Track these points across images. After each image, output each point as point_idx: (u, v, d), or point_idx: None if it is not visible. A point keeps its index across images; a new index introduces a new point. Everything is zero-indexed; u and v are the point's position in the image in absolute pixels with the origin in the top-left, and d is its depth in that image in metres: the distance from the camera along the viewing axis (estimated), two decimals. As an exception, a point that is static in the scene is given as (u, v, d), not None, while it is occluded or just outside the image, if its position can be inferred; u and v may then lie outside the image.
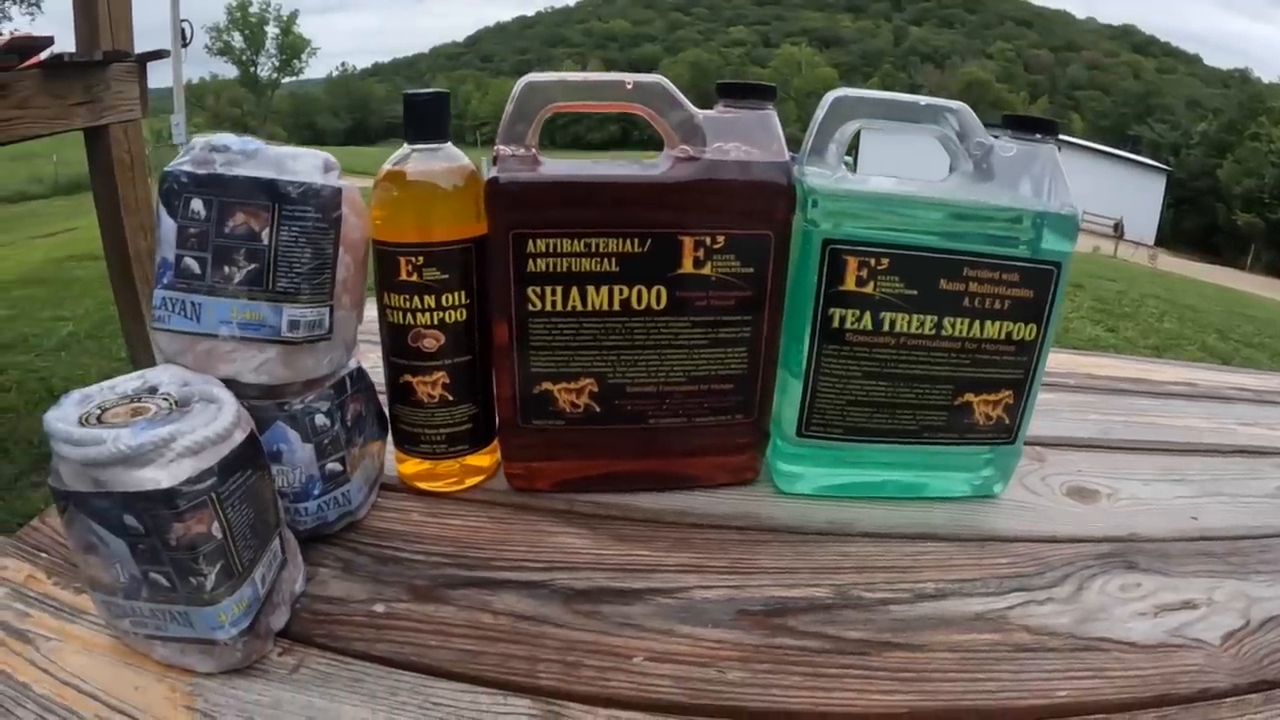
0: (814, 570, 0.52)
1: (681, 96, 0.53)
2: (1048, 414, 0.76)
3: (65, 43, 1.75)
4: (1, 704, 0.39)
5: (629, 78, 0.52)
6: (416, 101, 0.52)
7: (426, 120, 0.53)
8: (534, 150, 0.53)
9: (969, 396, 0.57)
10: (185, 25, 5.39)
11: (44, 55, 1.66)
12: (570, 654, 0.44)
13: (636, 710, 0.41)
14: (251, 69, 47.83)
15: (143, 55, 1.92)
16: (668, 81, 0.53)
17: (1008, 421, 0.59)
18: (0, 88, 1.54)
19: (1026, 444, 0.61)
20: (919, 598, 0.50)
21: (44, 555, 0.51)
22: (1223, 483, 0.67)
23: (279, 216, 0.45)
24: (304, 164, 0.47)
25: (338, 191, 0.47)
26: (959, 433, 0.59)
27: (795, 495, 0.61)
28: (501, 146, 0.52)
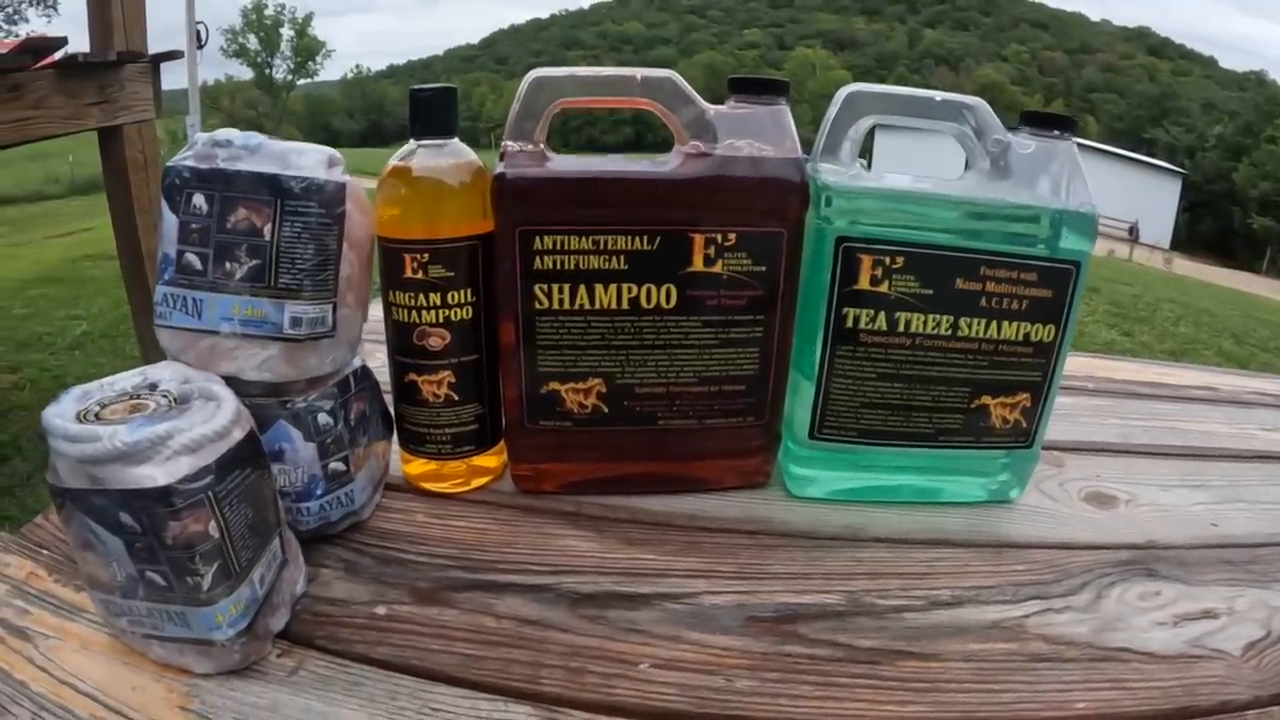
0: (826, 576, 0.51)
1: (692, 91, 0.52)
2: (1066, 418, 0.74)
3: (79, 43, 1.76)
4: (-2, 702, 0.39)
5: (638, 72, 0.51)
6: (422, 96, 0.52)
7: (433, 115, 0.52)
8: (542, 146, 0.52)
9: (986, 399, 0.56)
10: (200, 27, 5.43)
11: (58, 55, 1.66)
12: (574, 660, 0.43)
13: (640, 718, 0.40)
14: (267, 71, 48.19)
15: (156, 56, 1.93)
16: (678, 76, 0.52)
17: (1025, 425, 0.57)
18: (15, 88, 1.54)
19: (1044, 448, 0.60)
20: (933, 605, 0.49)
21: (45, 552, 0.50)
22: (1243, 489, 0.66)
23: (281, 212, 0.45)
24: (307, 159, 0.46)
25: (341, 187, 0.46)
26: (975, 436, 0.57)
27: (807, 499, 0.60)
28: (509, 143, 0.51)
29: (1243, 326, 6.34)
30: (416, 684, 0.41)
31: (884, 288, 0.53)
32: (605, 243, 0.51)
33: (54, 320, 3.26)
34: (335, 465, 0.50)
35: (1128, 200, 22.44)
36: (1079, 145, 0.54)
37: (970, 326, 0.54)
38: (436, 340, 0.53)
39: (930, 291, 0.53)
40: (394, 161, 0.52)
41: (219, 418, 0.39)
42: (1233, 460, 0.71)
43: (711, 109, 0.52)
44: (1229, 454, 0.72)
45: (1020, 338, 0.54)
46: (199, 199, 0.44)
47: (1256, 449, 0.73)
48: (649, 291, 0.53)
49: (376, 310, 0.55)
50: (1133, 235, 20.12)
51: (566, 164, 0.52)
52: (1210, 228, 31.64)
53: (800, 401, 0.57)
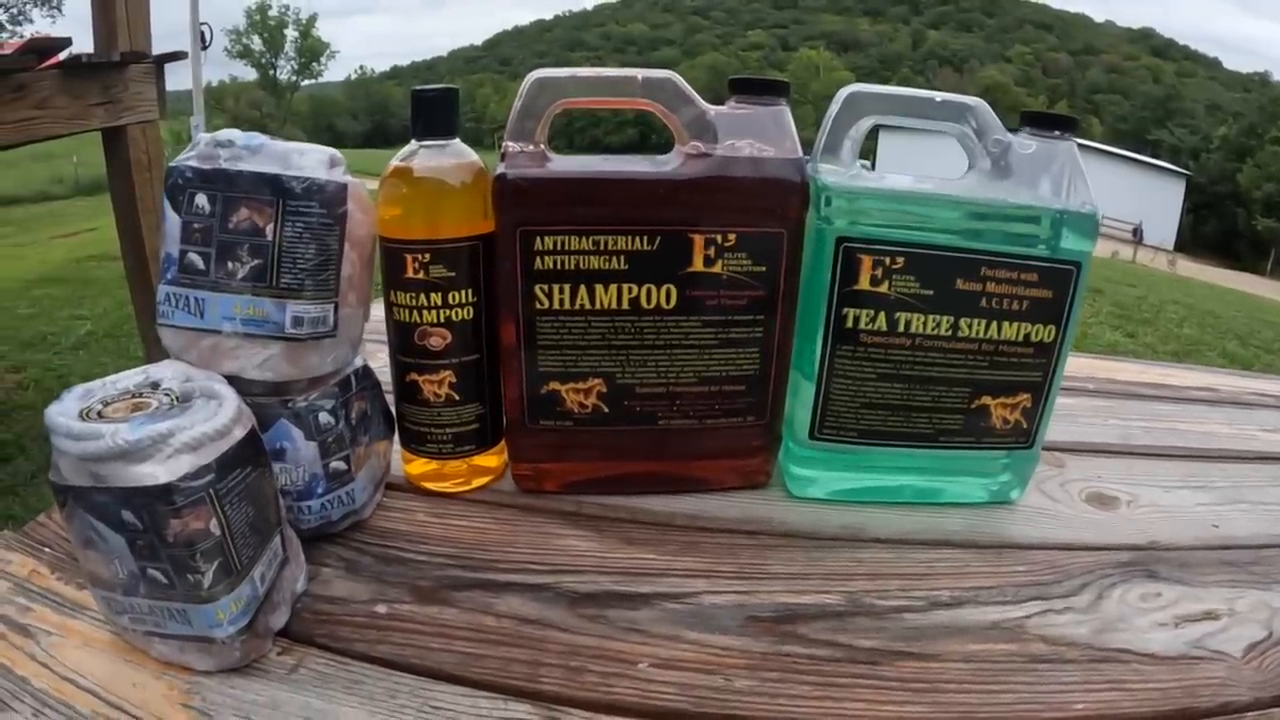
0: (825, 576, 0.51)
1: (692, 92, 0.52)
2: (1067, 418, 0.74)
3: (83, 44, 1.77)
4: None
5: (639, 73, 0.52)
6: (424, 97, 0.52)
7: (434, 116, 0.52)
8: (543, 147, 0.52)
9: (986, 399, 0.56)
10: (204, 28, 5.45)
11: (62, 56, 1.67)
12: (574, 659, 0.43)
13: (639, 718, 0.40)
14: (271, 72, 48.25)
15: (160, 56, 1.93)
16: (678, 77, 0.52)
17: (1025, 425, 0.57)
18: (19, 88, 1.55)
19: (1045, 449, 0.60)
20: (933, 606, 0.49)
21: (48, 550, 0.50)
22: (1245, 490, 0.65)
23: (283, 212, 0.45)
24: (309, 159, 0.46)
25: (343, 187, 0.47)
26: (976, 437, 0.57)
27: (808, 500, 0.60)
28: (510, 143, 0.52)
29: (1247, 328, 6.32)
30: (416, 682, 0.41)
31: (884, 288, 0.53)
32: (605, 243, 0.51)
33: (58, 320, 3.27)
34: (336, 464, 0.50)
35: (1132, 202, 22.39)
36: (1083, 146, 0.54)
37: (970, 327, 0.54)
38: (438, 340, 0.53)
39: (930, 292, 0.53)
40: (396, 162, 0.52)
41: (220, 416, 0.39)
42: (1234, 461, 0.71)
43: (712, 109, 0.53)
44: (1230, 455, 0.72)
45: (1021, 338, 0.54)
46: (201, 199, 0.45)
47: (1258, 450, 0.73)
48: (649, 292, 0.53)
49: (378, 310, 0.55)
50: (1137, 237, 20.08)
51: (567, 164, 0.52)
52: (1214, 229, 31.56)
53: (800, 402, 0.57)
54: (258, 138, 0.46)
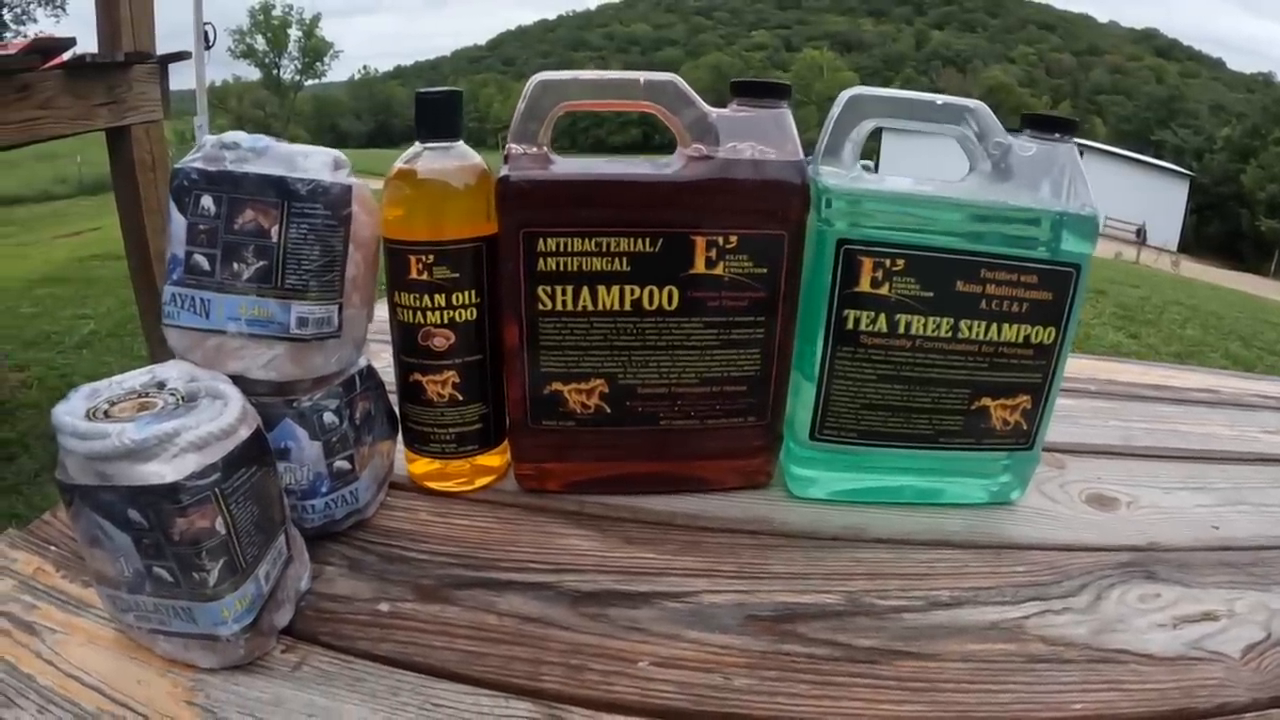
0: (825, 576, 0.52)
1: (694, 95, 0.52)
2: (1067, 420, 0.75)
3: (87, 44, 1.77)
4: (5, 694, 0.39)
5: (641, 75, 0.52)
6: (428, 99, 0.52)
7: (439, 118, 0.52)
8: (546, 149, 0.52)
9: (986, 401, 0.56)
10: (208, 28, 5.45)
11: (66, 56, 1.68)
12: (574, 657, 0.44)
13: (639, 716, 0.40)
14: (274, 71, 48.25)
15: (164, 56, 1.94)
16: (680, 80, 0.52)
17: (1025, 427, 0.58)
18: (23, 88, 1.56)
19: (1045, 450, 0.60)
20: (932, 606, 0.49)
21: (53, 548, 0.51)
22: (1245, 491, 0.66)
23: (288, 213, 0.45)
24: (314, 161, 0.46)
25: (347, 189, 0.47)
26: (976, 438, 0.58)
27: (809, 500, 0.60)
28: (513, 145, 0.52)
29: (1250, 329, 6.31)
30: (419, 680, 0.42)
31: (884, 290, 0.53)
32: (608, 245, 0.52)
33: (61, 319, 3.28)
34: (340, 464, 0.50)
35: (1135, 202, 22.34)
36: (1086, 147, 0.55)
37: (970, 328, 0.54)
38: (441, 341, 0.53)
39: (931, 294, 0.53)
40: (400, 164, 0.53)
41: (225, 416, 0.40)
42: (1235, 463, 0.71)
43: (714, 112, 0.53)
44: (1231, 456, 0.72)
45: (1020, 340, 0.55)
46: (207, 200, 0.45)
47: (1259, 452, 0.73)
48: (651, 293, 0.53)
49: (382, 310, 0.55)
50: (1140, 237, 20.02)
51: (570, 166, 0.52)
52: (1218, 230, 31.53)
53: (801, 402, 0.58)
54: (263, 140, 0.46)
